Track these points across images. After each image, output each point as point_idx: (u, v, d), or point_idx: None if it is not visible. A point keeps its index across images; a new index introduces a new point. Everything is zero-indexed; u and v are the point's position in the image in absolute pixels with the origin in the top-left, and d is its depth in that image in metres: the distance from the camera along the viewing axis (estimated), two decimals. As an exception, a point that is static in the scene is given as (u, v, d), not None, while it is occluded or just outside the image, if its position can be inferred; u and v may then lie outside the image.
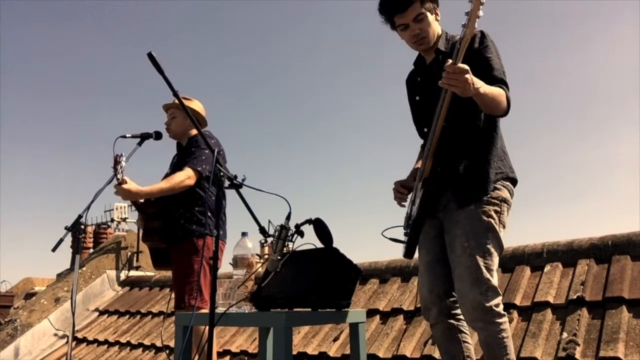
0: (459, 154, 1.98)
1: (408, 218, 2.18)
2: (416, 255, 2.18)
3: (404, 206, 2.22)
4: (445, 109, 1.86)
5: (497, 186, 1.98)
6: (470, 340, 2.10)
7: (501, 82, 1.91)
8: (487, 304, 1.84)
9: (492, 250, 1.91)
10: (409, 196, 2.18)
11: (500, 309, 1.88)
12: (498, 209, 1.96)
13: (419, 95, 2.18)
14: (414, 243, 2.12)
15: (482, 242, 1.90)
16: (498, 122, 2.04)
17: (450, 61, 1.71)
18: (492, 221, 1.93)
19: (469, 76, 1.70)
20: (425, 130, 2.14)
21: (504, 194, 1.99)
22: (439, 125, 1.90)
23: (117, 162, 2.78)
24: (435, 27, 2.07)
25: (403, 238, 2.19)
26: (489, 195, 1.95)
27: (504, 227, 1.98)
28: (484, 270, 1.87)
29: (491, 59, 1.94)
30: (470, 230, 1.91)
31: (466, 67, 1.70)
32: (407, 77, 2.30)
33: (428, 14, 2.03)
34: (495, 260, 1.92)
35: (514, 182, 2.05)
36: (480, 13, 1.66)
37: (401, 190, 2.19)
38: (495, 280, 1.89)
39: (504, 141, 2.08)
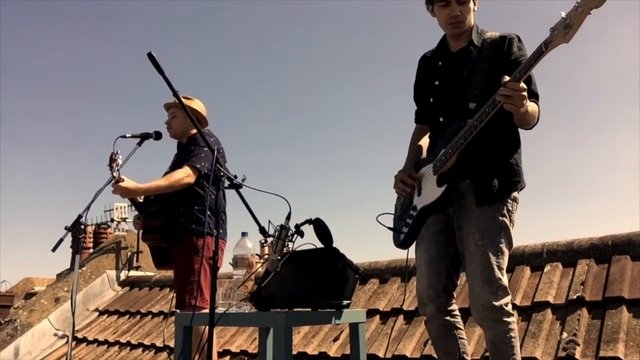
0: (485, 156, 1.96)
1: (403, 207, 2.15)
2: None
3: (403, 195, 2.18)
4: (480, 128, 1.85)
5: (515, 187, 2.00)
6: (466, 337, 2.12)
7: (536, 97, 1.92)
8: (497, 303, 1.85)
9: (504, 249, 1.93)
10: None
11: (510, 308, 1.89)
12: (510, 207, 1.97)
13: (438, 80, 2.12)
14: (414, 235, 2.10)
15: (495, 241, 1.91)
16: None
17: (507, 78, 1.70)
18: (506, 220, 1.95)
19: (525, 94, 1.71)
20: (442, 119, 2.08)
21: (515, 193, 2.01)
22: (480, 127, 1.86)
23: (112, 159, 2.78)
24: (472, 16, 2.05)
25: (393, 225, 2.17)
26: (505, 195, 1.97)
27: (513, 225, 2.00)
28: (496, 270, 1.88)
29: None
30: (485, 229, 1.92)
31: (526, 88, 1.70)
32: (421, 57, 2.25)
33: (471, 0, 2.02)
34: (506, 259, 1.94)
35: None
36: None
37: (408, 181, 2.12)
38: (505, 279, 1.90)
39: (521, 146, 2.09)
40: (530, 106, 1.82)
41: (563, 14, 1.59)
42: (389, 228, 2.16)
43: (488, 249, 1.90)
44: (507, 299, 1.88)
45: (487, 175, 1.96)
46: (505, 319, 1.87)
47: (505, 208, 1.95)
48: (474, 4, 2.04)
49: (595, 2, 1.52)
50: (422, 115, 2.26)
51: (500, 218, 1.94)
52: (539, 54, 1.67)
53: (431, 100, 2.16)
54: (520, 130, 2.03)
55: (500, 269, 1.89)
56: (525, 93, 1.71)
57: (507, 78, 1.71)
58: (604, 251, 3.03)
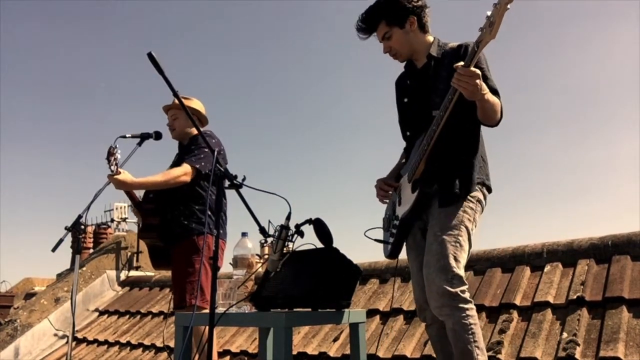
0: (448, 159, 2.04)
1: (389, 219, 2.23)
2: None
3: (386, 203, 2.28)
4: (445, 118, 1.91)
5: (475, 187, 2.06)
6: None
7: (495, 92, 1.99)
8: (453, 290, 1.88)
9: (463, 242, 1.97)
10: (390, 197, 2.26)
11: (467, 295, 1.91)
12: (473, 206, 2.03)
13: (407, 98, 2.24)
14: (400, 244, 2.18)
15: (454, 233, 1.97)
16: (480, 132, 2.13)
17: (462, 63, 1.76)
18: (466, 216, 2.00)
19: (479, 81, 1.77)
20: (408, 133, 2.22)
21: (479, 195, 2.07)
22: (438, 132, 1.94)
23: (110, 153, 2.78)
24: (412, 39, 2.13)
25: (383, 238, 2.25)
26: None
27: (475, 225, 2.04)
28: (452, 259, 1.92)
29: (485, 69, 2.01)
30: (445, 222, 1.99)
31: (478, 71, 1.76)
32: (397, 78, 2.35)
33: (397, 29, 2.10)
34: (464, 254, 1.97)
35: (489, 189, 2.13)
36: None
37: (385, 187, 2.25)
38: (461, 271, 1.93)
39: (485, 149, 2.15)
40: (491, 96, 1.89)
41: (488, 13, 1.67)
42: (377, 240, 2.24)
43: (445, 239, 1.95)
44: (464, 287, 1.91)
45: (450, 177, 2.03)
46: (462, 305, 1.88)
47: (467, 206, 2.01)
48: (409, 26, 2.11)
49: None
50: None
51: (461, 214, 1.99)
52: (473, 53, 1.75)
53: (400, 117, 2.29)
54: (481, 133, 2.12)
55: (456, 260, 1.92)
56: (474, 74, 1.75)
57: (460, 64, 1.77)
58: (604, 251, 3.03)
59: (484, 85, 1.82)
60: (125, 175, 2.84)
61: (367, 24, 2.15)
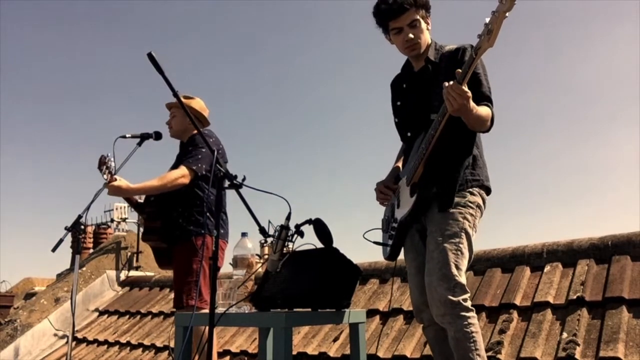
0: (447, 163, 2.04)
1: (388, 221, 2.24)
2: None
3: (386, 205, 2.29)
4: (445, 121, 1.91)
5: (474, 192, 2.06)
6: None
7: (487, 100, 2.00)
8: (455, 299, 1.88)
9: (464, 250, 1.98)
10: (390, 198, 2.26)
11: (469, 304, 1.92)
12: (473, 212, 2.03)
13: (400, 101, 2.25)
14: (399, 246, 2.18)
15: (454, 241, 1.97)
16: (478, 135, 2.13)
17: (459, 71, 1.76)
18: (467, 223, 2.01)
19: (467, 102, 1.78)
20: (409, 134, 2.22)
21: (479, 200, 2.07)
22: (437, 135, 1.95)
23: (102, 162, 2.79)
24: (426, 35, 2.14)
25: (382, 239, 2.25)
26: (466, 199, 2.03)
27: (475, 230, 2.05)
28: (453, 267, 1.92)
29: (480, 75, 2.02)
30: (446, 229, 1.98)
31: (468, 93, 1.77)
32: (392, 80, 2.35)
33: (421, 20, 2.10)
34: (465, 261, 1.98)
35: (488, 190, 2.14)
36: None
37: (385, 191, 2.26)
38: (463, 279, 1.94)
39: (483, 151, 2.16)
40: (479, 109, 1.89)
41: (486, 20, 1.67)
42: (375, 243, 2.25)
43: (447, 247, 1.95)
44: (466, 295, 1.92)
45: (448, 182, 2.03)
46: (464, 313, 1.89)
47: (467, 212, 2.02)
48: (427, 24, 2.13)
49: (506, 5, 1.62)
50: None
51: (462, 220, 2.00)
52: (471, 60, 1.75)
53: (397, 120, 2.29)
54: (478, 140, 2.13)
55: (458, 268, 1.93)
56: (463, 94, 1.76)
57: (446, 84, 1.78)
58: (604, 251, 3.03)
59: (472, 105, 1.82)
60: (120, 182, 2.82)
61: (399, 7, 2.05)
